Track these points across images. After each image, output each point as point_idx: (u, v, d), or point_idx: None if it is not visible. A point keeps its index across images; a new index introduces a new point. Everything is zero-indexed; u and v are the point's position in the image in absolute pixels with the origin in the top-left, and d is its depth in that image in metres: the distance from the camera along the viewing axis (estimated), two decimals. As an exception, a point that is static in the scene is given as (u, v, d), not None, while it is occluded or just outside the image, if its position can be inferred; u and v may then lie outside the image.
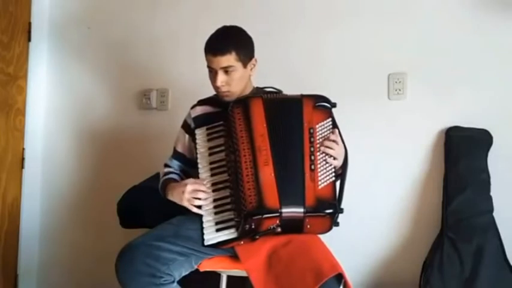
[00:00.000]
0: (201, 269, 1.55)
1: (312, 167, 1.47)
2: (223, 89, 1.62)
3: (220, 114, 1.61)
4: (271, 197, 1.42)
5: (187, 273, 1.51)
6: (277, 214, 1.42)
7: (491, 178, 1.94)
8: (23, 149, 2.54)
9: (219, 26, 1.78)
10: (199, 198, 1.52)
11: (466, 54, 2.03)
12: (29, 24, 2.56)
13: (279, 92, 1.69)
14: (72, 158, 2.58)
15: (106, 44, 2.56)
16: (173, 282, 1.46)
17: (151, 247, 1.44)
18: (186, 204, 1.53)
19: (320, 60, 2.20)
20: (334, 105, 1.57)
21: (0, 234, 2.42)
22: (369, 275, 2.10)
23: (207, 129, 1.62)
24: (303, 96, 1.55)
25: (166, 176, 1.70)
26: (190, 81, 2.36)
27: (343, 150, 1.55)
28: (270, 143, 1.48)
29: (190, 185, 1.53)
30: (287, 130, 1.51)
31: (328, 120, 1.54)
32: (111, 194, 2.15)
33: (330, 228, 1.51)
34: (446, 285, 1.86)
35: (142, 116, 2.47)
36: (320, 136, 1.51)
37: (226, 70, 1.59)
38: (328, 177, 1.49)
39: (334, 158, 1.51)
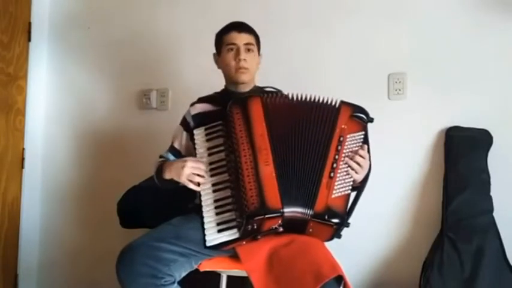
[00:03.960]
0: (201, 269, 1.54)
1: (331, 174, 1.46)
2: (245, 64, 1.66)
3: (219, 112, 1.60)
4: (272, 197, 1.41)
5: (187, 273, 1.51)
6: (279, 214, 1.41)
7: (491, 178, 1.93)
8: (23, 149, 2.54)
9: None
10: (200, 176, 1.52)
11: (466, 54, 2.03)
12: (29, 24, 2.56)
13: (279, 91, 1.69)
14: (72, 158, 2.58)
15: (106, 44, 2.56)
16: (174, 282, 1.45)
17: (152, 248, 1.43)
18: (184, 180, 1.52)
19: (320, 60, 2.21)
20: (371, 120, 1.55)
21: (0, 234, 2.42)
22: (369, 275, 2.10)
23: (206, 129, 1.61)
24: (342, 102, 1.54)
25: (161, 162, 1.69)
26: (190, 81, 2.36)
27: (368, 167, 1.53)
28: (270, 143, 1.47)
29: (190, 162, 1.53)
30: (309, 133, 1.49)
31: (360, 133, 1.52)
32: (111, 194, 2.15)
33: (330, 238, 1.50)
34: (446, 285, 1.86)
35: (142, 116, 2.47)
36: (348, 147, 1.49)
37: (248, 48, 1.69)
38: (344, 189, 1.47)
39: (356, 172, 1.49)
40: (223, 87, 1.82)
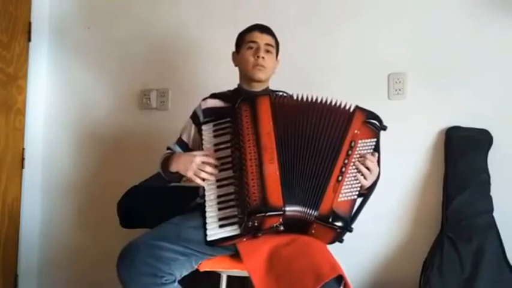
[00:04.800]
0: (201, 269, 1.54)
1: (340, 178, 1.45)
2: (263, 62, 1.70)
3: (229, 109, 1.61)
4: (274, 195, 1.41)
5: (187, 273, 1.51)
6: (281, 212, 1.41)
7: (491, 178, 1.94)
8: (23, 149, 2.54)
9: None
10: (206, 172, 1.52)
11: (466, 54, 2.03)
12: (29, 24, 2.56)
13: (290, 96, 1.69)
14: (72, 158, 2.58)
15: (106, 44, 2.56)
16: (174, 282, 1.44)
17: (152, 247, 1.43)
18: (190, 174, 1.52)
19: (320, 60, 2.21)
20: (384, 127, 1.54)
21: (0, 234, 2.42)
22: (368, 275, 2.10)
23: (214, 125, 1.62)
24: (357, 107, 1.53)
25: (169, 153, 1.71)
26: (190, 81, 2.36)
27: (376, 174, 1.52)
28: (276, 142, 1.47)
29: (199, 157, 1.53)
30: (319, 135, 1.48)
31: (372, 139, 1.51)
32: (111, 193, 2.15)
33: (332, 242, 1.50)
34: (446, 285, 1.86)
35: (142, 116, 2.47)
36: (359, 152, 1.48)
37: (267, 49, 1.73)
38: (351, 194, 1.46)
39: (365, 178, 1.48)
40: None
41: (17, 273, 2.50)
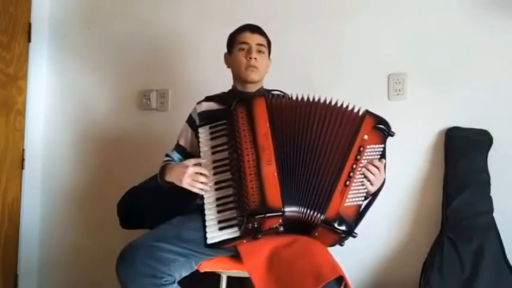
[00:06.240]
0: (201, 270, 1.54)
1: (347, 183, 1.44)
2: (255, 63, 1.69)
3: (224, 111, 1.61)
4: (273, 196, 1.40)
5: (187, 274, 1.51)
6: (280, 213, 1.41)
7: (491, 178, 1.94)
8: (23, 149, 2.54)
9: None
10: (201, 182, 1.52)
11: (466, 54, 2.03)
12: (29, 24, 2.56)
13: (286, 95, 1.68)
14: (72, 159, 2.58)
15: (106, 44, 2.56)
16: (173, 282, 1.45)
17: (152, 248, 1.43)
18: (184, 185, 1.53)
19: (320, 60, 2.21)
20: (392, 134, 1.53)
21: (0, 234, 2.42)
22: (368, 275, 2.10)
23: (210, 127, 1.62)
24: (367, 112, 1.52)
25: (166, 163, 1.71)
26: (190, 81, 2.36)
27: (382, 180, 1.52)
28: (273, 143, 1.46)
29: (191, 168, 1.53)
30: (324, 136, 1.47)
31: (380, 145, 1.50)
32: (111, 194, 2.15)
33: (333, 245, 1.51)
34: (446, 285, 1.86)
35: (143, 117, 2.47)
36: (366, 158, 1.48)
37: (259, 49, 1.72)
38: (357, 199, 1.46)
39: (372, 184, 1.48)
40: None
41: (17, 273, 2.51)
